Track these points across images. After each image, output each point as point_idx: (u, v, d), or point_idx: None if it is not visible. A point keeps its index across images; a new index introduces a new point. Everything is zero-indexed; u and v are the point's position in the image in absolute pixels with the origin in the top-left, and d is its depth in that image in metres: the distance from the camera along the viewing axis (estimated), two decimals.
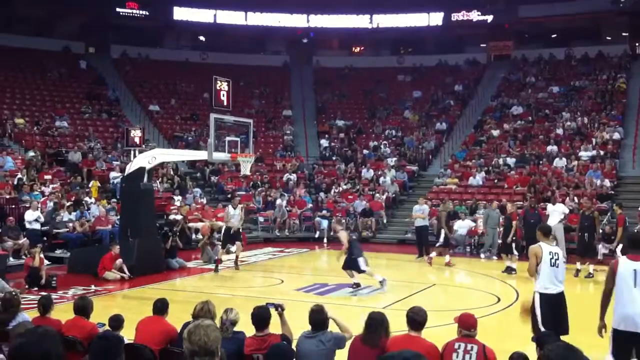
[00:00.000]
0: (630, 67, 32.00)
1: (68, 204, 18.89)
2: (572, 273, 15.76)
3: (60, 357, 2.87)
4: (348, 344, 6.18)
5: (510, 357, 5.58)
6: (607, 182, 22.44)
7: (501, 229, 17.51)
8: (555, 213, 18.22)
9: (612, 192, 22.18)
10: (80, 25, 35.94)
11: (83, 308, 6.96)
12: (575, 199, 20.91)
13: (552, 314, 7.66)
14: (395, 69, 37.02)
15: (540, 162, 24.97)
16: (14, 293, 7.15)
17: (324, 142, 30.70)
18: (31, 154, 22.86)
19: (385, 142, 29.72)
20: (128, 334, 6.89)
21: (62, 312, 7.99)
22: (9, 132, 24.86)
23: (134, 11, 35.91)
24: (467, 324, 5.81)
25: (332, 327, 6.48)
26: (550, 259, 7.72)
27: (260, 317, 6.22)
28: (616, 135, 26.01)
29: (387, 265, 18.18)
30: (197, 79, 33.33)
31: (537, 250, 7.81)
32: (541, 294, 7.70)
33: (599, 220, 16.71)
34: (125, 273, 14.86)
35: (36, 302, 7.43)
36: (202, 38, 39.22)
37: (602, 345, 7.21)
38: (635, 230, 13.90)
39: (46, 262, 14.63)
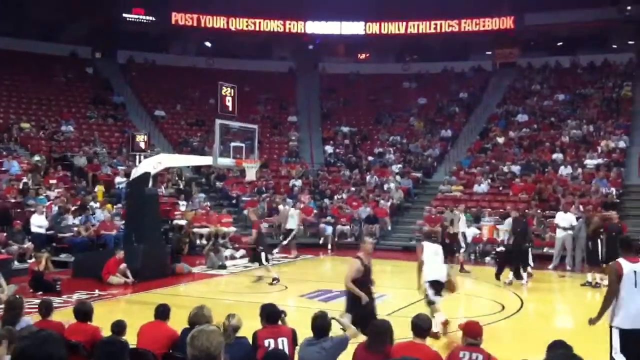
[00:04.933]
0: (636, 75, 31.86)
1: (73, 208, 18.93)
2: (581, 282, 15.78)
3: None
4: (352, 347, 6.15)
5: (549, 346, 5.25)
6: (613, 190, 22.40)
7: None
8: (566, 222, 18.05)
9: (618, 201, 22.13)
10: (87, 30, 35.98)
11: (84, 313, 6.96)
12: (581, 207, 20.82)
13: None
14: (400, 76, 36.93)
15: (546, 169, 24.91)
16: (18, 297, 7.15)
17: (329, 149, 30.68)
18: (37, 158, 22.91)
19: (390, 148, 29.70)
20: (130, 339, 6.89)
21: (67, 316, 7.98)
22: (15, 137, 24.87)
23: (140, 17, 35.97)
24: (472, 333, 5.78)
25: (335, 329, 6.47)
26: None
27: (271, 312, 6.50)
28: (622, 144, 25.95)
29: (392, 271, 18.13)
30: (203, 84, 33.30)
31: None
32: None
33: (599, 227, 16.24)
34: (128, 278, 14.88)
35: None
36: (208, 44, 39.28)
37: (604, 350, 7.19)
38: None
39: (51, 267, 14.62)
